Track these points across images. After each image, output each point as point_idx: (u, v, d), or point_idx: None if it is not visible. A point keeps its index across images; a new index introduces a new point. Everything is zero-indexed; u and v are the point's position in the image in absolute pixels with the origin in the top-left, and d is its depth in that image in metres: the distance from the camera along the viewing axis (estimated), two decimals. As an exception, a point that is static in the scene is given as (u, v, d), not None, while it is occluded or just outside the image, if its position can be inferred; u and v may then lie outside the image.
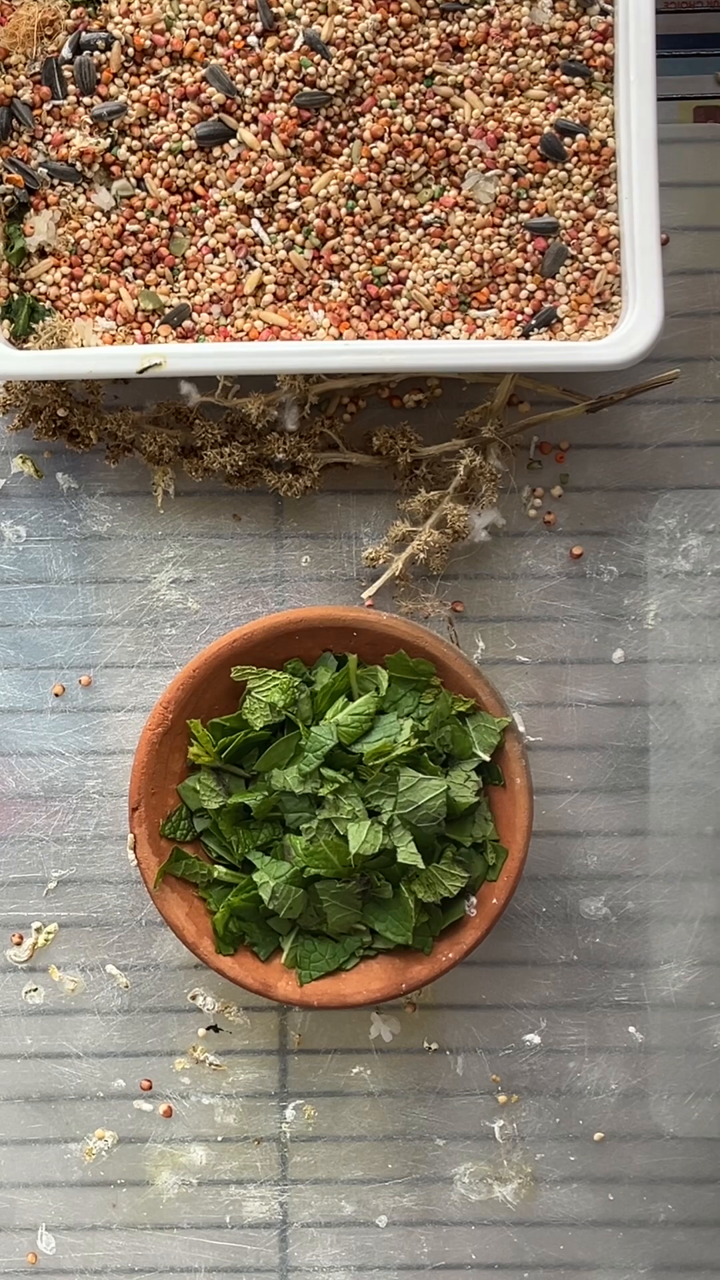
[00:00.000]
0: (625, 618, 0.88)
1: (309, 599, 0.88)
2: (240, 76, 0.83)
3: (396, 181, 0.83)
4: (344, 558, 0.88)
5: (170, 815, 0.83)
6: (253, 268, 0.84)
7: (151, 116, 0.83)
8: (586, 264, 0.84)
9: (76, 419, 0.85)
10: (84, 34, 0.83)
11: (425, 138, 0.83)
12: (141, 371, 0.81)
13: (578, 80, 0.83)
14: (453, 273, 0.83)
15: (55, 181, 0.83)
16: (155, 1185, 0.89)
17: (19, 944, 0.88)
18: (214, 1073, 0.89)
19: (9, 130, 0.83)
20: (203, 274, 0.84)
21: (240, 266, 0.84)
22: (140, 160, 0.83)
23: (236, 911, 0.83)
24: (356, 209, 0.83)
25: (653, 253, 0.81)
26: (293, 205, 0.83)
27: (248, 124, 0.83)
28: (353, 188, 0.83)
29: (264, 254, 0.84)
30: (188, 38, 0.83)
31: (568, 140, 0.83)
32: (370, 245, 0.83)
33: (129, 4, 0.83)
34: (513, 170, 0.83)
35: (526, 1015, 0.88)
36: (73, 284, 0.84)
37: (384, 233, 0.84)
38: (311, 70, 0.82)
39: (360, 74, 0.82)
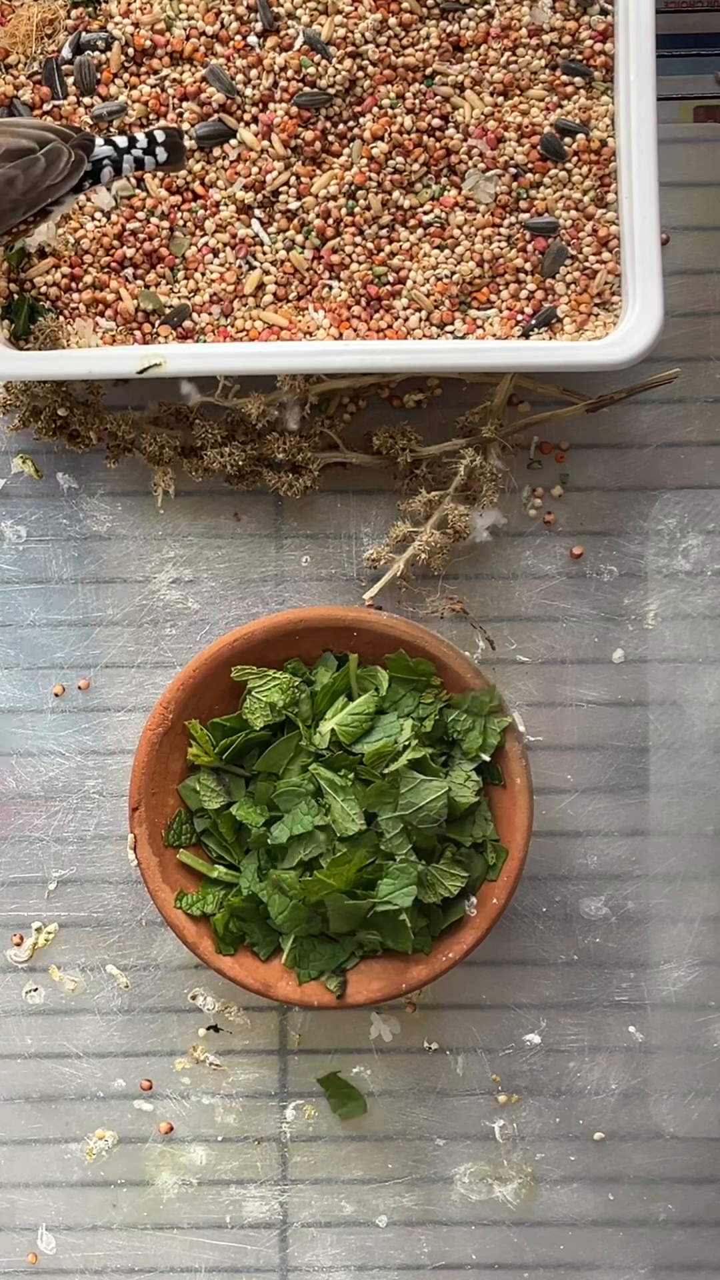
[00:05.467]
0: (625, 618, 0.88)
1: (309, 599, 0.88)
2: (240, 76, 0.83)
3: (396, 181, 0.83)
4: (344, 558, 0.88)
5: (171, 822, 0.83)
6: (253, 268, 0.84)
7: (151, 116, 0.83)
8: (586, 264, 0.84)
9: (76, 419, 0.85)
10: (84, 34, 0.83)
11: (425, 138, 0.83)
12: (141, 372, 0.81)
13: (578, 80, 0.83)
14: (453, 273, 0.83)
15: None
16: (155, 1185, 0.89)
17: (19, 944, 0.88)
18: (214, 1073, 0.89)
19: (9, 130, 0.83)
20: (203, 274, 0.84)
21: (240, 266, 0.84)
22: (140, 160, 0.83)
23: (236, 911, 0.83)
24: (356, 209, 0.83)
25: (653, 253, 0.81)
26: (293, 205, 0.83)
27: (248, 124, 0.83)
28: (353, 188, 0.83)
29: (264, 254, 0.84)
30: (188, 38, 0.83)
31: (568, 140, 0.83)
32: (370, 245, 0.83)
33: (129, 4, 0.83)
34: (513, 170, 0.83)
35: (526, 1015, 0.88)
36: (73, 284, 0.84)
37: (384, 233, 0.84)
38: (311, 70, 0.82)
39: (360, 74, 0.82)
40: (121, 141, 0.79)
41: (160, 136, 0.79)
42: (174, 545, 0.88)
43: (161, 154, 0.80)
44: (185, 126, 0.83)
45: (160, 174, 0.83)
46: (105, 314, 0.84)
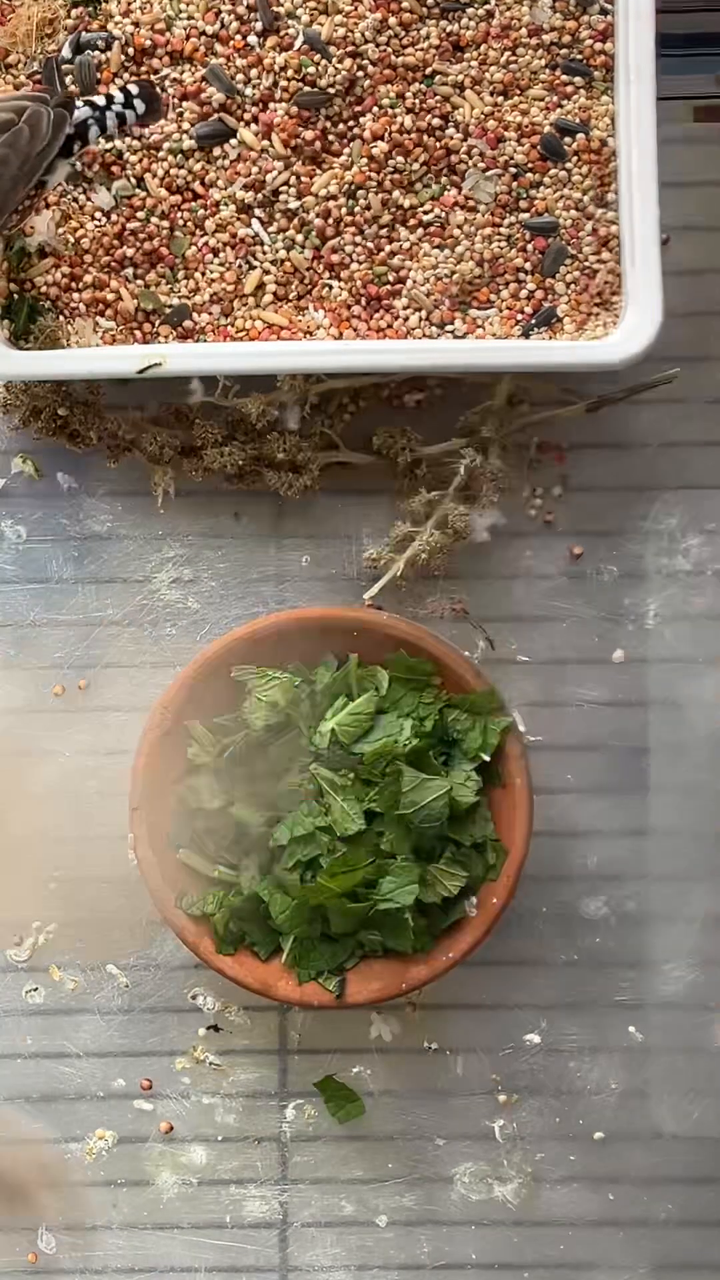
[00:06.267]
0: (625, 618, 0.88)
1: (309, 599, 0.88)
2: (240, 76, 0.83)
3: (396, 181, 0.83)
4: (344, 558, 0.88)
5: (172, 823, 0.83)
6: (253, 268, 0.84)
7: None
8: (586, 263, 0.84)
9: (76, 419, 0.85)
10: (84, 34, 0.83)
11: (425, 137, 0.83)
12: (141, 372, 0.81)
13: (578, 80, 0.83)
14: (453, 272, 0.83)
15: (56, 181, 0.83)
16: (155, 1185, 0.89)
17: (19, 944, 0.88)
18: (214, 1073, 0.88)
19: (9, 130, 0.83)
20: (203, 274, 0.84)
21: (240, 266, 0.84)
22: (140, 160, 0.83)
23: (236, 911, 0.83)
24: (357, 209, 0.83)
25: (653, 253, 0.81)
26: (293, 205, 0.83)
27: (248, 124, 0.83)
28: (353, 187, 0.83)
29: (264, 254, 0.84)
30: (188, 37, 0.83)
31: (568, 140, 0.83)
32: (370, 245, 0.83)
33: (129, 4, 0.83)
34: (513, 170, 0.83)
35: (526, 1015, 0.88)
36: (73, 284, 0.84)
37: (384, 232, 0.84)
38: (311, 70, 0.82)
39: (360, 74, 0.82)
40: (99, 100, 0.80)
41: (134, 89, 0.80)
42: (174, 545, 0.88)
43: (140, 106, 0.80)
44: (185, 126, 0.83)
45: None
46: (105, 314, 0.84)
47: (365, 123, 0.83)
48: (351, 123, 0.83)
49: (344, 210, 0.83)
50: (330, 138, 0.83)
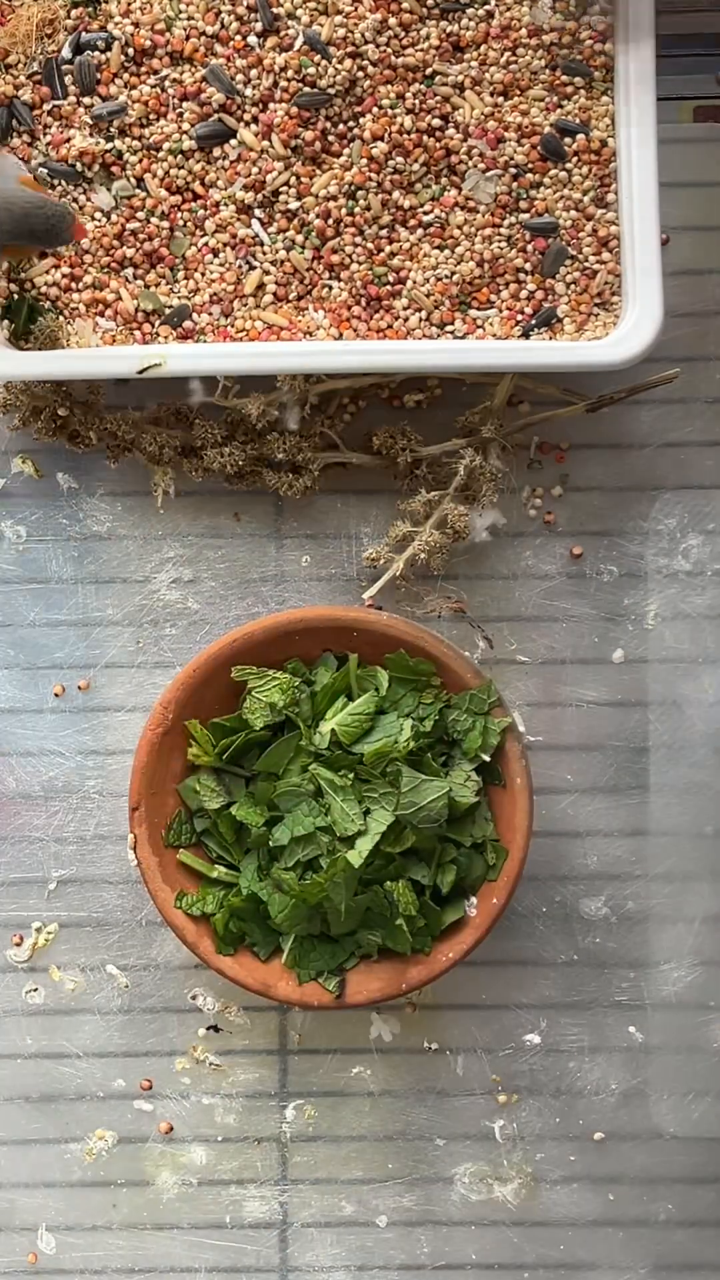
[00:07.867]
0: (625, 618, 0.88)
1: (309, 599, 0.88)
2: (240, 76, 0.83)
3: (396, 181, 0.83)
4: (344, 558, 0.88)
5: (171, 822, 0.83)
6: (253, 268, 0.84)
7: (151, 116, 0.83)
8: (586, 264, 0.84)
9: (76, 419, 0.85)
10: (84, 34, 0.83)
11: (425, 138, 0.83)
12: (141, 372, 0.81)
13: (578, 80, 0.83)
14: (453, 273, 0.83)
15: (55, 181, 0.83)
16: (155, 1185, 0.89)
17: (19, 944, 0.88)
18: (214, 1073, 0.89)
19: (9, 130, 0.83)
20: (203, 274, 0.84)
21: (240, 266, 0.84)
22: (140, 160, 0.83)
23: (236, 911, 0.83)
24: (356, 209, 0.83)
25: (653, 253, 0.81)
26: (293, 205, 0.83)
27: (248, 124, 0.83)
28: (353, 188, 0.83)
29: (264, 254, 0.84)
30: (188, 38, 0.83)
31: (568, 140, 0.83)
32: (370, 245, 0.83)
33: (129, 4, 0.83)
34: (513, 170, 0.83)
35: (526, 1015, 0.88)
36: (73, 284, 0.84)
37: (384, 233, 0.84)
38: (311, 70, 0.82)
39: (360, 74, 0.82)
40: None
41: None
42: (174, 545, 0.88)
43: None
44: (185, 126, 0.83)
45: (160, 173, 0.83)
46: (105, 314, 0.84)
47: (365, 123, 0.83)
48: (351, 123, 0.83)
49: (344, 211, 0.83)
50: (330, 138, 0.83)
